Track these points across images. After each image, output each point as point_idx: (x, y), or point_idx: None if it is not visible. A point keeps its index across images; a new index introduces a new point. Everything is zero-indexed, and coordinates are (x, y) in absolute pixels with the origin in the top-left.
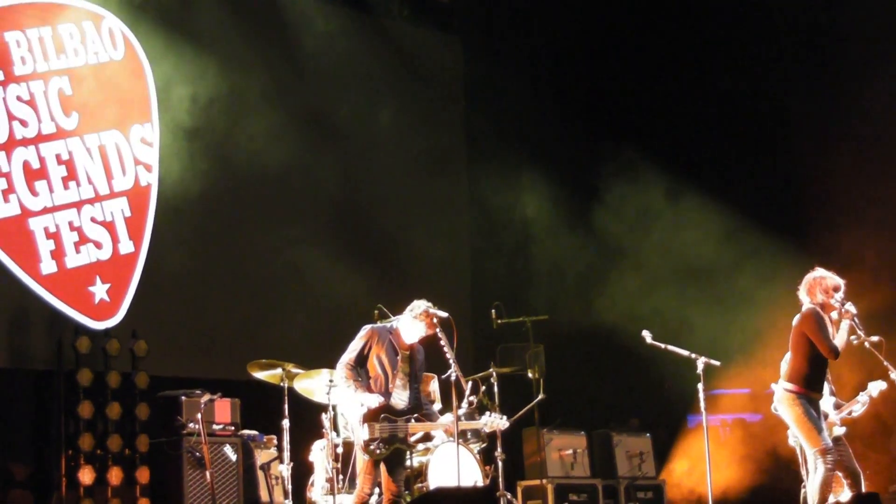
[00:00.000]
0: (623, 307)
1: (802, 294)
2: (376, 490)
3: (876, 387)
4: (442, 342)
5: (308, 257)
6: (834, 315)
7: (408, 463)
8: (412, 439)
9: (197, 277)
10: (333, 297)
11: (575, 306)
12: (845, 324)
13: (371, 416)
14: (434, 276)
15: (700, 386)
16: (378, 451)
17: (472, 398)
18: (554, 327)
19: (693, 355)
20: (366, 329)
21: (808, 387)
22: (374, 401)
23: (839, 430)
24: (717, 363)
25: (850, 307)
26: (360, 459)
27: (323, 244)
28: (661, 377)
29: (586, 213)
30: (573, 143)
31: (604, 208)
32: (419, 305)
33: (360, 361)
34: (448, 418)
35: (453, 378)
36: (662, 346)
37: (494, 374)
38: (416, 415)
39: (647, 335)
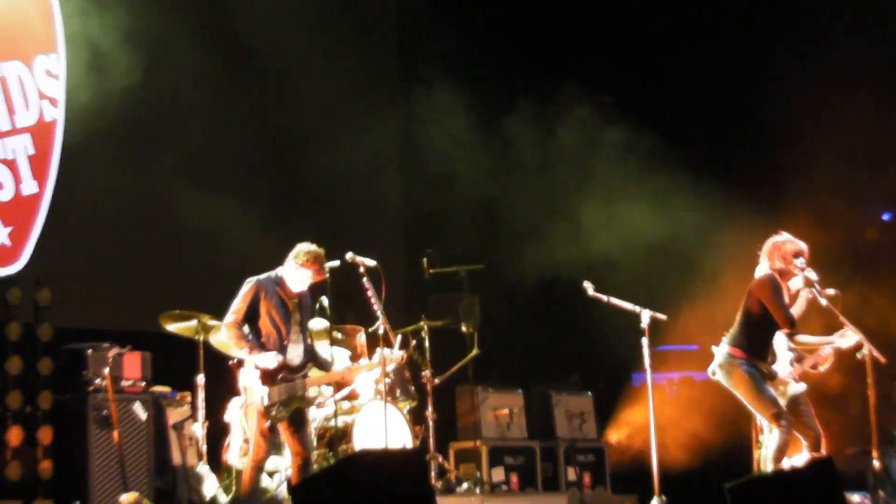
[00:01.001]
0: (563, 256)
1: (762, 257)
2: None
3: (846, 341)
4: (369, 292)
5: (226, 200)
6: (794, 283)
7: (327, 423)
8: (310, 394)
9: (106, 222)
10: (253, 243)
11: (512, 254)
12: (804, 293)
13: (269, 378)
14: (362, 219)
15: (645, 341)
16: (279, 416)
17: (401, 352)
18: (490, 277)
19: (638, 308)
20: (249, 282)
21: (753, 354)
22: (272, 361)
23: (798, 388)
24: (664, 317)
25: (810, 274)
26: (254, 422)
27: (242, 185)
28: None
29: (528, 153)
30: (515, 75)
31: (549, 148)
32: (302, 250)
33: (249, 318)
34: (342, 366)
35: (381, 332)
36: (605, 298)
37: (425, 327)
38: (309, 368)
39: (588, 286)
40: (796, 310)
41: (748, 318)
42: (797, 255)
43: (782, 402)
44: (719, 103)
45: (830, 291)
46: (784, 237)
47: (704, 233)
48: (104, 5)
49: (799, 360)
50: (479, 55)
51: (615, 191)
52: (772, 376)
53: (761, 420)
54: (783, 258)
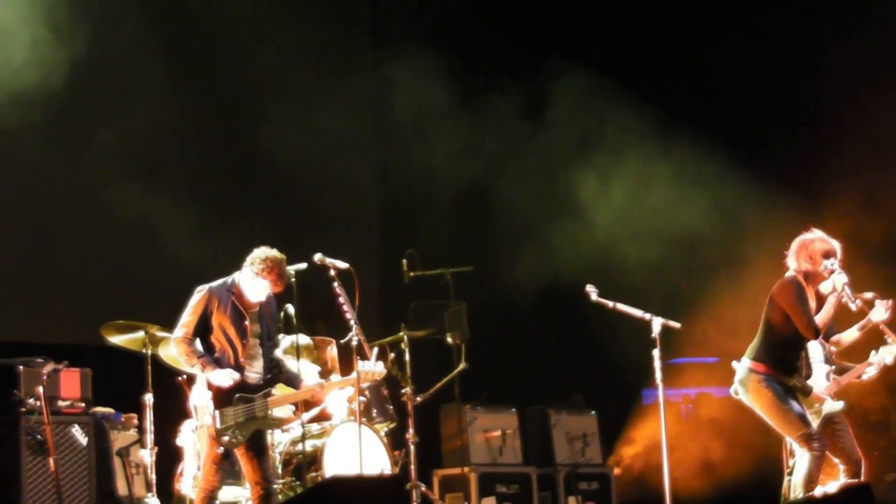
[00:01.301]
0: (564, 256)
1: (790, 259)
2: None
3: (891, 352)
4: (341, 299)
5: (175, 196)
6: (825, 287)
7: (294, 448)
8: (276, 415)
9: (40, 222)
10: (208, 244)
11: (505, 254)
12: (832, 298)
13: (223, 398)
14: (332, 214)
15: (656, 353)
16: (234, 441)
17: (381, 366)
18: (479, 281)
19: (648, 316)
20: (201, 291)
21: (778, 368)
22: (227, 378)
23: (835, 406)
24: (678, 325)
25: (841, 276)
26: (205, 447)
27: (194, 178)
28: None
29: (521, 136)
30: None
31: (545, 130)
32: (258, 256)
33: (201, 331)
34: (313, 381)
35: (355, 343)
36: (610, 304)
37: (406, 338)
38: (275, 385)
39: (591, 291)
40: (822, 318)
41: (770, 328)
42: (827, 254)
43: (815, 421)
44: (739, 80)
45: (868, 295)
46: (814, 235)
47: (729, 227)
48: None
49: (840, 372)
50: (460, 26)
51: (622, 179)
52: (806, 392)
53: (791, 443)
54: (810, 258)
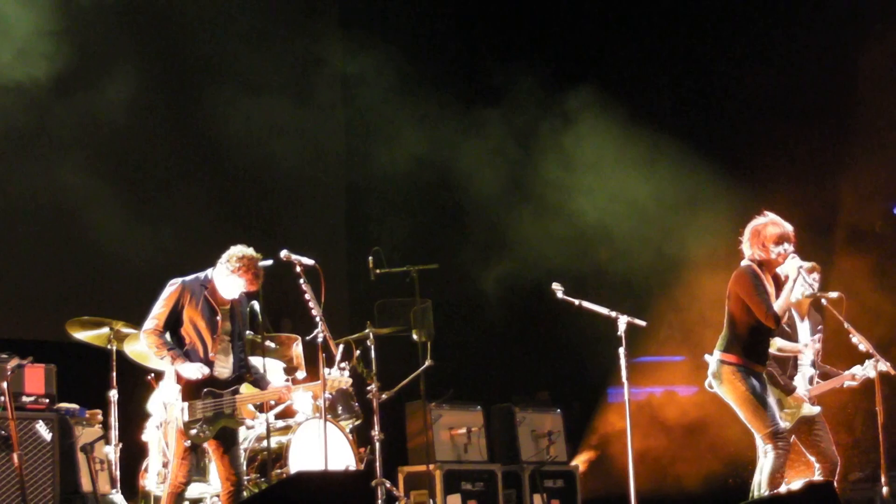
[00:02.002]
0: (530, 255)
1: (744, 246)
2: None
3: (875, 366)
4: (307, 296)
5: (142, 188)
6: (783, 269)
7: (259, 444)
8: (242, 414)
9: (2, 218)
10: (175, 239)
11: (471, 252)
12: (789, 283)
13: (192, 392)
14: (298, 210)
15: (622, 351)
16: (201, 435)
17: (343, 365)
18: (445, 278)
19: (614, 314)
20: (174, 284)
21: (749, 357)
22: (197, 371)
23: (812, 410)
24: (643, 324)
25: (795, 260)
26: (173, 442)
27: (163, 174)
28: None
29: (488, 130)
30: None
31: (508, 128)
32: (235, 254)
33: (171, 325)
34: (281, 384)
35: (320, 340)
36: (576, 302)
37: (371, 335)
38: (242, 383)
39: (557, 288)
40: (779, 304)
41: (733, 320)
42: (780, 239)
43: (788, 422)
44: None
45: (833, 294)
46: (766, 219)
47: (696, 222)
48: None
49: (824, 377)
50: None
51: (589, 175)
52: (789, 390)
53: (756, 439)
54: (762, 245)
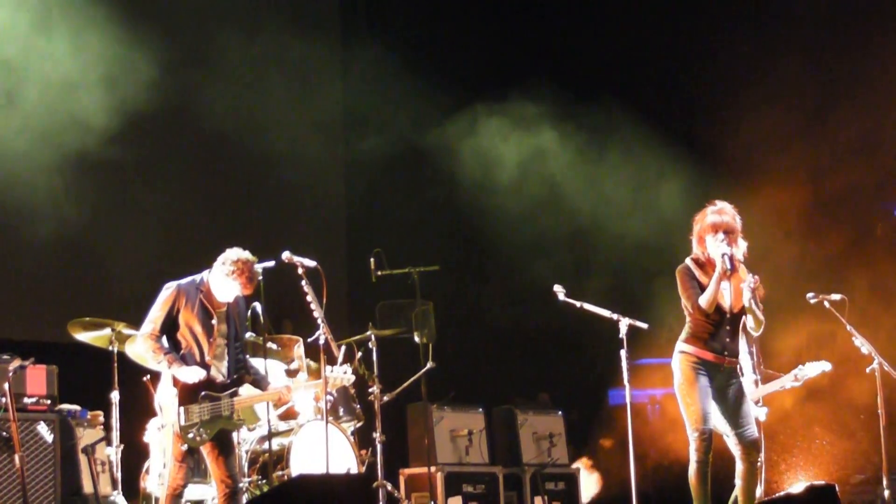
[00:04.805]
0: (531, 256)
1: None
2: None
3: (816, 368)
4: (308, 297)
5: (144, 188)
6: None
7: (260, 446)
8: (241, 416)
9: (4, 217)
10: (176, 240)
11: (472, 254)
12: (716, 272)
13: (189, 396)
14: (299, 212)
15: (623, 353)
16: (198, 439)
17: (345, 367)
18: (446, 280)
19: (615, 316)
20: (169, 288)
21: (698, 342)
22: (194, 375)
23: (758, 412)
24: (645, 326)
25: (720, 248)
26: (170, 445)
27: (165, 175)
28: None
29: (487, 135)
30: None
31: (509, 130)
32: (230, 258)
33: (167, 329)
34: (281, 384)
35: (322, 342)
36: (577, 304)
37: (373, 337)
38: (241, 385)
39: (559, 291)
40: (706, 294)
41: (686, 316)
42: (715, 228)
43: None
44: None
45: (836, 297)
46: (709, 209)
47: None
48: None
49: (765, 380)
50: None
51: (589, 178)
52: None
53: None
54: (698, 237)
